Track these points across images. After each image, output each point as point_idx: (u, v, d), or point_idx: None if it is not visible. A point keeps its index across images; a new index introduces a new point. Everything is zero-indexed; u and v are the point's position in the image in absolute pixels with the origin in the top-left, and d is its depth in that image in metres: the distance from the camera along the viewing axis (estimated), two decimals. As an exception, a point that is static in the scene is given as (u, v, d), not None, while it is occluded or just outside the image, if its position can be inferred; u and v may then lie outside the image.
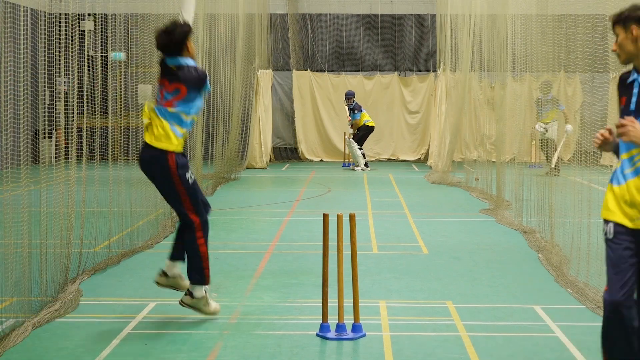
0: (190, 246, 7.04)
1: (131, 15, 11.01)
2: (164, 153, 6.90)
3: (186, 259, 7.11)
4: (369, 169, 21.35)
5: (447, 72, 19.79)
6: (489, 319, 7.28)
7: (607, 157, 20.08)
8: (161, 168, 6.93)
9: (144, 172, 7.16)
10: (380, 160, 24.09)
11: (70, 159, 8.32)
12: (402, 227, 12.14)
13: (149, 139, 6.99)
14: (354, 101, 21.48)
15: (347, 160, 22.36)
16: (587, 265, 8.32)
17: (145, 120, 7.05)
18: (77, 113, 8.65)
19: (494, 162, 15.04)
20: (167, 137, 6.93)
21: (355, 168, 21.23)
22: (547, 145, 16.86)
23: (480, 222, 12.75)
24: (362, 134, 21.33)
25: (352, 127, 21.49)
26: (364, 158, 21.31)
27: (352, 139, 21.22)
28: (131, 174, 10.78)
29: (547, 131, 17.42)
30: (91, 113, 9.50)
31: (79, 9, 8.43)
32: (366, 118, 21.45)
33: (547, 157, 16.56)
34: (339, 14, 24.30)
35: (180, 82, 6.92)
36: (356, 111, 21.39)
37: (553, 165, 14.96)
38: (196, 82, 6.95)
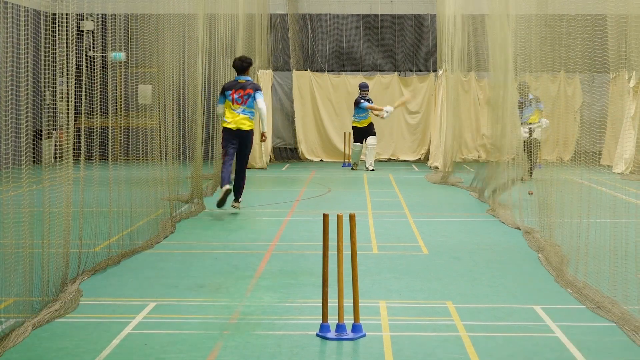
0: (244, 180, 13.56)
1: (131, 15, 11.01)
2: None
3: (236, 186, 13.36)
4: (354, 170, 21.26)
5: (448, 72, 19.79)
6: (489, 319, 7.29)
7: (607, 157, 20.11)
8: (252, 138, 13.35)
9: (243, 137, 13.16)
10: (380, 160, 24.07)
11: (70, 159, 8.32)
12: (402, 227, 12.14)
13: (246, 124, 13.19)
14: (367, 92, 21.35)
15: (347, 160, 22.36)
16: (586, 265, 8.33)
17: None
18: (77, 113, 8.64)
19: (494, 162, 15.04)
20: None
21: (369, 168, 21.03)
22: (529, 146, 16.78)
23: (480, 222, 12.75)
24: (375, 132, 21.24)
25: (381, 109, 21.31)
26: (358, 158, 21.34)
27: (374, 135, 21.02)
28: (131, 173, 10.79)
29: (533, 131, 17.34)
30: (91, 113, 9.49)
31: (78, 9, 8.42)
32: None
33: (529, 158, 16.48)
34: (339, 14, 24.30)
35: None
36: (364, 101, 21.19)
37: (530, 168, 14.96)
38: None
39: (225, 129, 13.17)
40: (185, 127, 14.06)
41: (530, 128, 16.76)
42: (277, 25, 23.77)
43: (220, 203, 12.90)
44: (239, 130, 13.12)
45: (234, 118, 13.10)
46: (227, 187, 12.86)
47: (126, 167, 10.64)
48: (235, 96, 13.09)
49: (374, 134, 21.10)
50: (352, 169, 21.35)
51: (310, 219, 12.78)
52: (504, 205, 13.44)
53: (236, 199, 13.41)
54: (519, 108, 16.08)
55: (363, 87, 21.38)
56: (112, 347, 6.35)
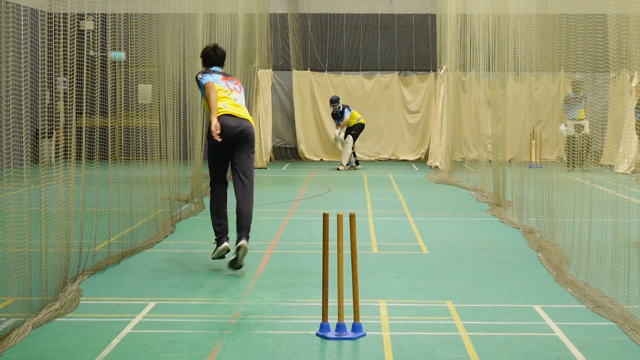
0: None
1: (131, 15, 11.01)
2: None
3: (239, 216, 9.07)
4: (359, 166, 21.44)
5: (449, 72, 19.78)
6: (489, 318, 7.28)
7: (607, 157, 20.10)
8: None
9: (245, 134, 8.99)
10: (380, 160, 24.09)
11: (70, 158, 8.31)
12: (402, 227, 12.14)
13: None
14: (339, 105, 21.41)
15: (349, 160, 22.39)
16: (587, 265, 8.32)
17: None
18: (77, 113, 8.64)
19: (493, 161, 15.04)
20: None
21: (340, 167, 21.23)
22: (572, 142, 16.81)
23: (481, 221, 12.75)
24: (355, 132, 21.35)
25: (339, 126, 21.42)
26: (355, 156, 21.42)
27: (350, 133, 21.18)
28: (131, 173, 10.79)
29: (582, 128, 17.59)
30: (91, 113, 9.49)
31: (78, 9, 8.42)
32: (358, 116, 21.48)
33: (572, 154, 16.45)
34: (339, 13, 24.31)
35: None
36: (346, 110, 21.36)
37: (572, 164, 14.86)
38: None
39: (219, 119, 8.88)
40: (186, 126, 14.07)
41: (578, 125, 16.90)
42: (277, 25, 23.79)
43: (233, 264, 8.98)
44: (240, 122, 8.95)
45: (232, 105, 9.04)
46: (225, 244, 9.04)
47: (126, 166, 10.64)
48: (231, 83, 9.24)
49: (351, 135, 21.28)
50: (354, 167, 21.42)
51: (310, 219, 12.77)
52: (506, 204, 13.44)
53: (241, 239, 8.92)
54: (565, 102, 16.17)
55: (333, 102, 21.43)
56: (112, 347, 6.35)
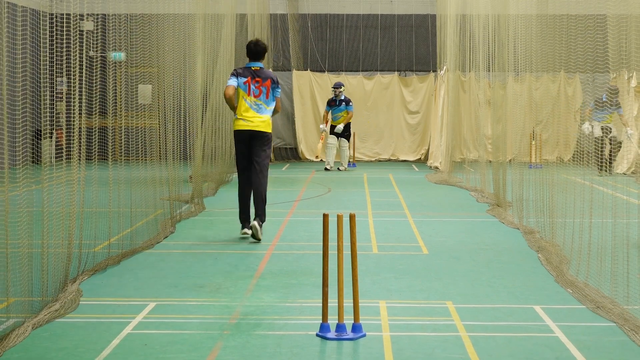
0: None
1: (131, 15, 11.01)
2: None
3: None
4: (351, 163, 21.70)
5: (449, 72, 19.79)
6: (489, 319, 7.28)
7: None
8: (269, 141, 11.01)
9: (257, 139, 10.86)
10: (380, 161, 24.09)
11: (71, 159, 8.31)
12: (402, 227, 12.14)
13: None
14: (342, 93, 21.16)
15: (349, 160, 22.37)
16: (587, 265, 8.33)
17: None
18: (77, 113, 8.64)
19: (493, 161, 15.04)
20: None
21: (340, 168, 21.18)
22: (602, 145, 16.86)
23: (481, 222, 12.75)
24: (347, 133, 21.20)
25: (328, 123, 21.25)
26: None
27: (344, 136, 21.03)
28: (131, 174, 10.79)
29: (610, 131, 17.72)
30: (91, 113, 9.49)
31: (78, 9, 8.42)
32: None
33: (601, 156, 16.42)
34: (339, 14, 24.31)
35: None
36: (350, 103, 21.23)
37: (600, 167, 14.79)
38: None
39: (235, 132, 10.92)
40: (186, 127, 14.07)
41: (604, 128, 16.99)
42: (277, 25, 23.79)
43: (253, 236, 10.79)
44: (252, 132, 10.82)
45: (247, 116, 10.81)
46: (244, 230, 10.85)
47: (126, 167, 10.64)
48: (253, 87, 10.74)
49: (343, 136, 21.07)
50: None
51: (310, 219, 12.78)
52: (506, 204, 13.44)
53: (255, 219, 10.80)
54: (597, 105, 16.20)
55: (335, 87, 21.26)
56: (112, 347, 6.35)
